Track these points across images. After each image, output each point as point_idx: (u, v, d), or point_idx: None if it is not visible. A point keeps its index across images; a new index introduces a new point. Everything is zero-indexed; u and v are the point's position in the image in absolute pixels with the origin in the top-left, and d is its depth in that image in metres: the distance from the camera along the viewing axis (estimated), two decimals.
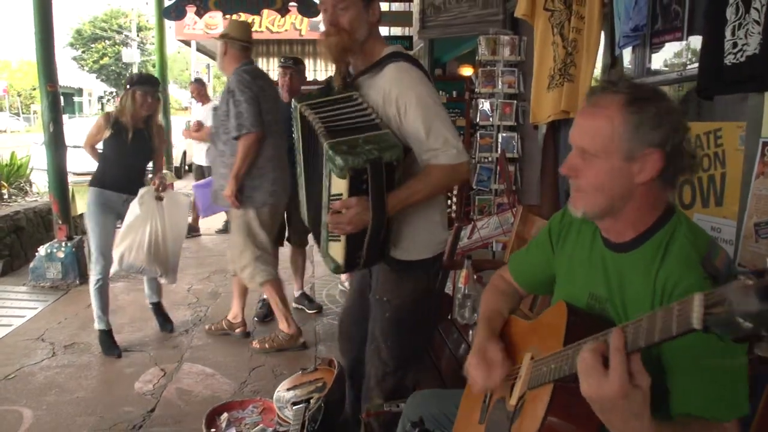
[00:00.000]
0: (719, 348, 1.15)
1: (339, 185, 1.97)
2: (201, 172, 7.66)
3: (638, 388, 1.04)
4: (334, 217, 2.00)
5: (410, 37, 7.59)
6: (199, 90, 8.03)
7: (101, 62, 34.62)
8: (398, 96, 2.05)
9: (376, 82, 2.14)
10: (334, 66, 2.23)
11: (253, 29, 13.12)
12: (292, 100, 2.33)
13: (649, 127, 1.27)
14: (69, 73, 27.01)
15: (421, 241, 2.22)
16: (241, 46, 4.11)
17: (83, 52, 35.05)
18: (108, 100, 35.34)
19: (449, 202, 4.29)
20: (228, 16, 11.73)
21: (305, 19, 11.99)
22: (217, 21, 12.32)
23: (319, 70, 13.31)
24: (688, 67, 2.69)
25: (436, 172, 2.06)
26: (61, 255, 5.63)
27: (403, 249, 2.20)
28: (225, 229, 7.47)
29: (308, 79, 7.26)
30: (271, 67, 13.21)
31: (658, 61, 2.98)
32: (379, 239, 2.06)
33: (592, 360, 1.07)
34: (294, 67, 4.69)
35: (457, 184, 2.13)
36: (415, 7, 6.83)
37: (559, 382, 1.23)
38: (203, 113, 7.61)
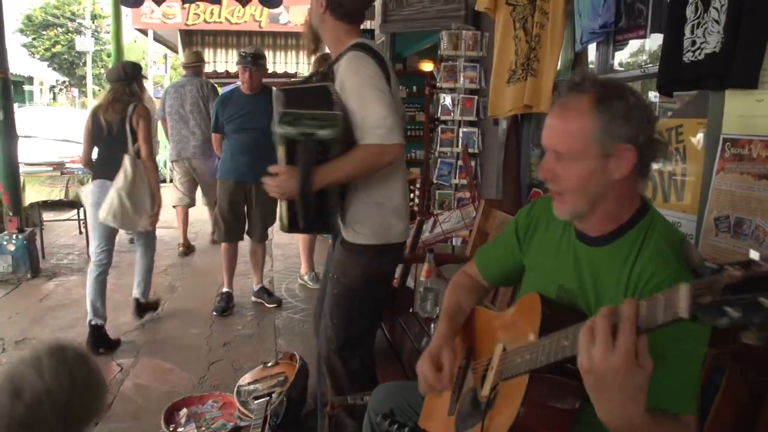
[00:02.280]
0: (688, 341, 1.17)
1: (280, 150, 2.19)
2: None
3: (642, 369, 1.00)
4: (266, 180, 2.22)
5: (372, 30, 7.55)
6: None
7: (53, 50, 33.57)
8: (344, 80, 2.21)
9: (337, 70, 2.29)
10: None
11: (211, 20, 12.93)
12: (273, 88, 2.45)
13: (619, 123, 1.29)
14: (19, 61, 26.13)
15: (372, 227, 2.33)
16: (183, 66, 6.40)
17: (34, 39, 33.94)
18: (60, 90, 34.36)
19: (412, 195, 4.28)
20: (186, 5, 11.57)
21: (265, 11, 11.84)
22: (174, 10, 12.07)
23: (278, 63, 13.15)
24: (650, 65, 2.74)
25: (361, 151, 2.17)
26: (12, 248, 5.46)
27: (355, 232, 2.34)
28: None
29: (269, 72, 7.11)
30: (230, 59, 13.03)
31: (621, 58, 3.03)
32: (309, 207, 2.23)
33: (605, 327, 1.01)
34: (252, 66, 4.61)
35: (385, 164, 2.23)
36: (377, 0, 6.80)
37: (534, 373, 1.23)
38: None
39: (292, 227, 2.36)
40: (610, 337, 1.01)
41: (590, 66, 3.25)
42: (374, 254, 2.36)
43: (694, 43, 2.05)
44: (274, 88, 2.42)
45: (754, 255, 0.82)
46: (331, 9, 2.33)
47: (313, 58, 4.60)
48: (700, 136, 2.22)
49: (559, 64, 3.28)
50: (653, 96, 2.71)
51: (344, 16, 2.35)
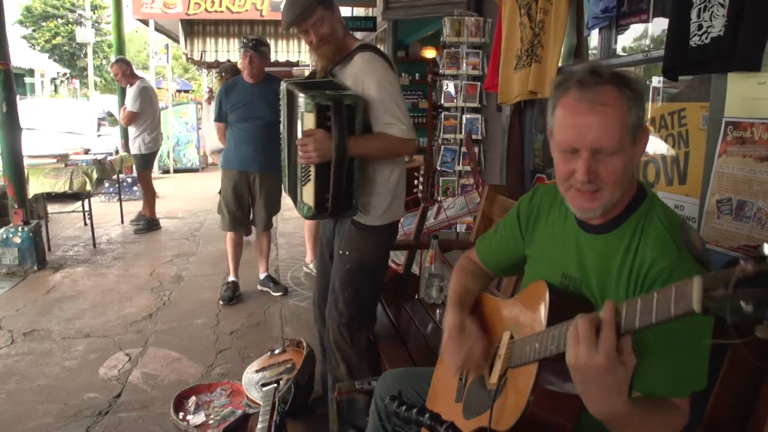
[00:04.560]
0: (691, 328, 1.19)
1: (308, 121, 2.32)
2: (138, 162, 7.23)
3: (624, 366, 1.06)
4: (302, 147, 2.33)
5: (374, 18, 7.52)
6: (124, 71, 7.08)
7: (54, 42, 33.49)
8: (363, 78, 2.42)
9: (348, 69, 2.50)
10: (324, 67, 2.60)
11: (212, 9, 12.86)
12: (281, 82, 2.65)
13: (639, 106, 1.30)
14: (19, 53, 26.04)
15: (385, 210, 2.57)
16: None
17: (34, 30, 33.84)
18: (61, 82, 34.29)
19: (416, 182, 4.28)
20: None
21: (266, 0, 11.81)
22: (175, 0, 12.03)
23: (280, 51, 13.09)
24: (653, 49, 2.73)
25: (389, 138, 2.43)
26: (18, 240, 5.49)
27: (369, 216, 2.55)
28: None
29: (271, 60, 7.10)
30: (232, 48, 12.98)
31: (623, 43, 3.02)
32: (342, 174, 2.35)
33: (587, 328, 1.07)
34: (253, 50, 4.59)
35: (403, 155, 2.58)
36: None
37: (544, 362, 1.25)
38: (129, 96, 7.02)
39: (319, 209, 2.43)
40: (594, 337, 1.07)
41: (593, 51, 3.25)
42: (384, 232, 2.61)
43: (700, 27, 2.04)
44: (283, 82, 2.61)
45: (766, 249, 0.82)
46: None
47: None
48: (702, 119, 2.22)
49: (562, 49, 3.27)
50: (657, 81, 2.71)
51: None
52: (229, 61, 10.69)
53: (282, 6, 2.59)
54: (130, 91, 6.96)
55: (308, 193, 2.43)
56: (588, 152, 1.28)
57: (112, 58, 8.80)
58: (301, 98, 2.32)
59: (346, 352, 2.63)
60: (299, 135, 2.38)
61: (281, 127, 2.77)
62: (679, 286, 0.92)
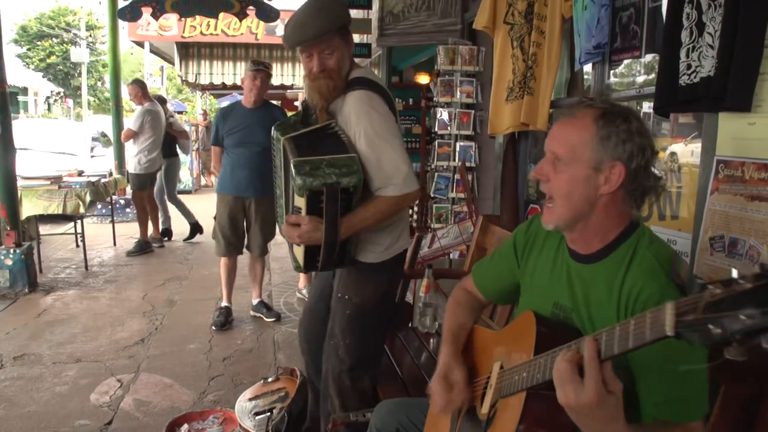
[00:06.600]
0: (683, 353, 1.21)
1: (299, 201, 2.12)
2: (132, 181, 7.30)
3: (612, 394, 1.09)
4: (288, 229, 2.18)
5: (368, 45, 7.59)
6: (137, 92, 7.15)
7: (48, 61, 33.62)
8: (355, 123, 2.17)
9: (343, 109, 2.24)
10: (318, 104, 2.28)
11: (208, 32, 12.94)
12: (272, 129, 2.39)
13: (616, 142, 1.35)
14: (13, 71, 26.11)
15: (383, 245, 2.36)
16: None
17: (29, 49, 33.97)
18: (55, 101, 34.32)
19: (411, 211, 4.32)
20: (183, 19, 11.60)
21: (261, 23, 11.90)
22: (171, 23, 12.10)
23: (274, 74, 13.19)
24: (646, 86, 2.79)
25: (384, 202, 2.20)
26: (9, 262, 5.46)
27: (367, 252, 2.35)
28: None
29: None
30: (226, 71, 13.09)
31: (616, 78, 3.08)
32: (333, 253, 2.20)
33: (568, 370, 1.11)
34: (266, 71, 4.66)
35: (404, 209, 2.31)
36: (373, 14, 6.84)
37: (531, 390, 1.27)
38: (134, 114, 7.19)
39: (308, 267, 2.31)
40: (577, 376, 1.10)
41: (586, 79, 3.30)
42: (386, 270, 2.40)
43: (689, 66, 2.09)
44: (275, 129, 2.37)
45: (734, 273, 0.86)
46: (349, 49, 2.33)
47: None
48: (695, 156, 2.26)
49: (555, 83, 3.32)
50: (647, 107, 2.76)
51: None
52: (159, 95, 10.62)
53: (287, 22, 2.27)
54: (136, 111, 7.21)
55: (298, 252, 2.29)
56: (549, 155, 1.43)
57: (106, 78, 8.93)
58: (293, 173, 2.05)
59: (345, 396, 2.44)
60: (291, 200, 2.22)
61: (276, 173, 2.53)
62: (654, 312, 0.96)
